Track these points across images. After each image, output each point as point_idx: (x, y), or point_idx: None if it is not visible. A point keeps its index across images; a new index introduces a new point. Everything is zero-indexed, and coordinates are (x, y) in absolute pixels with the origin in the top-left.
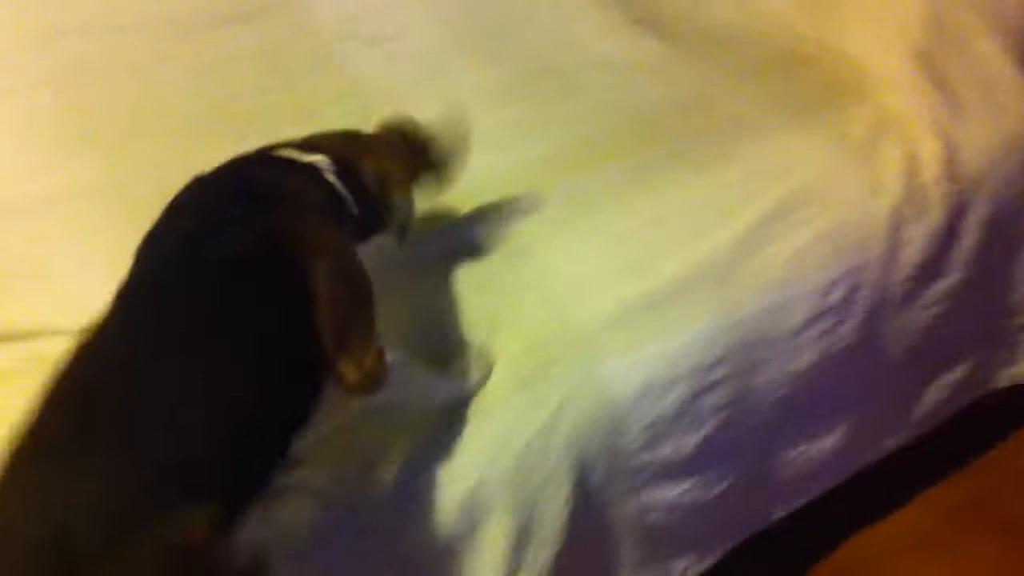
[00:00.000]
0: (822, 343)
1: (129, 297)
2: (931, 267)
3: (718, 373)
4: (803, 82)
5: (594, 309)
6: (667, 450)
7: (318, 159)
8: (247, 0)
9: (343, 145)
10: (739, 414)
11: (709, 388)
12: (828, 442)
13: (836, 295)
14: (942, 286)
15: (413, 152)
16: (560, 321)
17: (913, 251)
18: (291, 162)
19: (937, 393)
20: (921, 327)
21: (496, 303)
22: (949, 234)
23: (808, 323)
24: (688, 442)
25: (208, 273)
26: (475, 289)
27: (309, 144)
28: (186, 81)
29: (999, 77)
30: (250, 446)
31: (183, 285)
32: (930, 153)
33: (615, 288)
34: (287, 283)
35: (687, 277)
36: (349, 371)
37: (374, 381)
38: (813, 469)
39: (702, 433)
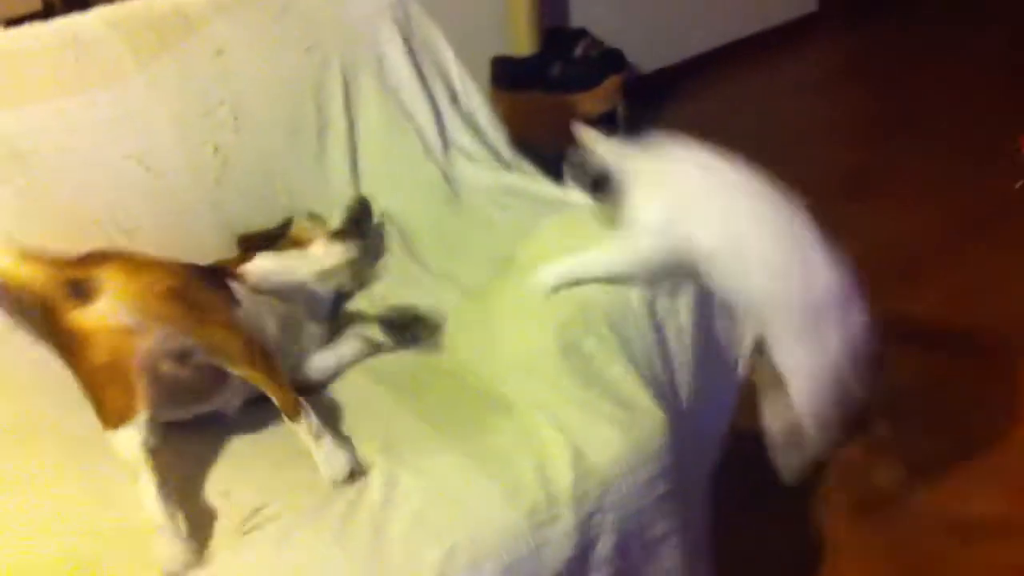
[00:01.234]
0: None
1: None
2: (572, 566)
3: None
4: (443, 398)
5: None
6: None
7: None
8: None
9: None
10: None
11: None
12: None
13: None
14: None
15: None
16: None
17: (553, 553)
18: None
19: None
20: None
21: None
22: (583, 537)
23: None
24: None
25: None
26: None
27: None
28: None
29: (630, 396)
30: None
31: None
32: (562, 461)
33: None
34: None
35: None
36: None
37: None
38: None
39: None
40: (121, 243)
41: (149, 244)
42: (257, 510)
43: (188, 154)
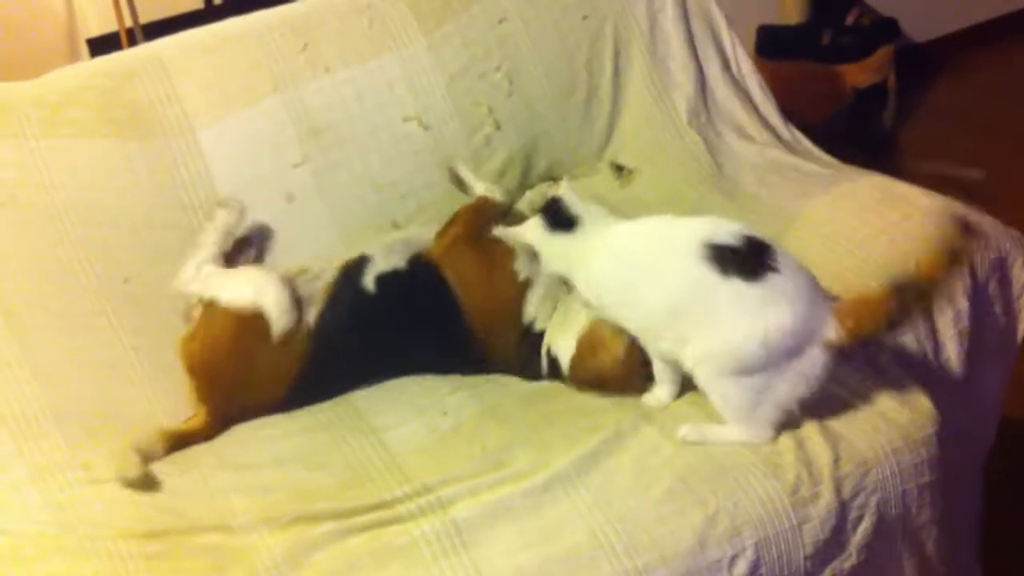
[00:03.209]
0: None
1: None
2: (829, 546)
3: None
4: None
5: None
6: None
7: None
8: None
9: None
10: None
11: None
12: None
13: (741, 567)
14: (838, 566)
15: None
16: None
17: (812, 529)
18: None
19: None
20: None
21: None
22: (843, 517)
23: None
24: None
25: None
26: None
27: None
28: None
29: (896, 385)
30: None
31: None
32: (819, 440)
33: (518, 554)
34: None
35: (594, 544)
36: None
37: None
38: None
39: None
40: (398, 209)
41: (420, 203)
42: (509, 466)
43: (460, 115)
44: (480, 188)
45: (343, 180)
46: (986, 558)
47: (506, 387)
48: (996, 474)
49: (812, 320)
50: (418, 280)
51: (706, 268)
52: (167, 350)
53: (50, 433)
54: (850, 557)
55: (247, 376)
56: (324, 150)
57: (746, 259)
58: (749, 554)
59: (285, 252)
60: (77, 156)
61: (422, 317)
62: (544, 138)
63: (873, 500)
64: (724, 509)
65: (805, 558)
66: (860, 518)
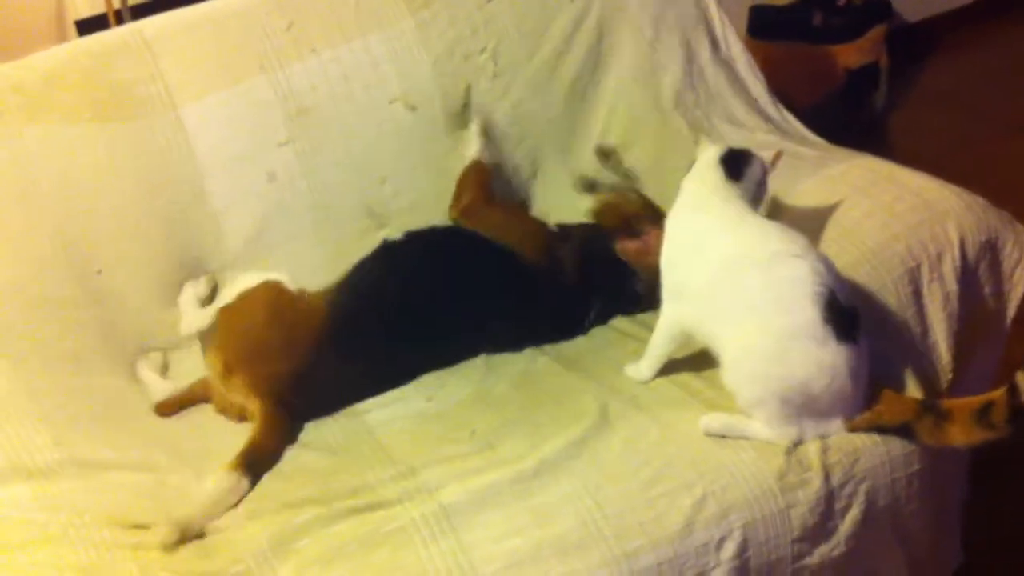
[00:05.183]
0: None
1: None
2: (818, 532)
3: None
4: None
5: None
6: None
7: None
8: None
9: None
10: None
11: None
12: None
13: (729, 549)
14: (827, 551)
15: None
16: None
17: (800, 514)
18: None
19: None
20: None
21: None
22: (832, 503)
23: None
24: None
25: None
26: None
27: None
28: None
29: (885, 371)
30: None
31: None
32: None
33: (508, 539)
34: None
35: (584, 530)
36: None
37: None
38: None
39: None
40: (375, 193)
41: (397, 188)
42: (498, 451)
43: (445, 96)
44: (475, 147)
45: (325, 161)
46: (968, 543)
47: (495, 372)
48: (977, 456)
49: (857, 396)
50: (441, 233)
51: (815, 311)
52: (133, 343)
53: (26, 413)
54: (839, 545)
55: (283, 335)
56: (308, 130)
57: (848, 322)
58: (736, 536)
59: (262, 231)
60: (58, 141)
61: (457, 255)
62: (527, 120)
63: (862, 488)
64: (712, 492)
65: (793, 542)
66: (848, 506)
